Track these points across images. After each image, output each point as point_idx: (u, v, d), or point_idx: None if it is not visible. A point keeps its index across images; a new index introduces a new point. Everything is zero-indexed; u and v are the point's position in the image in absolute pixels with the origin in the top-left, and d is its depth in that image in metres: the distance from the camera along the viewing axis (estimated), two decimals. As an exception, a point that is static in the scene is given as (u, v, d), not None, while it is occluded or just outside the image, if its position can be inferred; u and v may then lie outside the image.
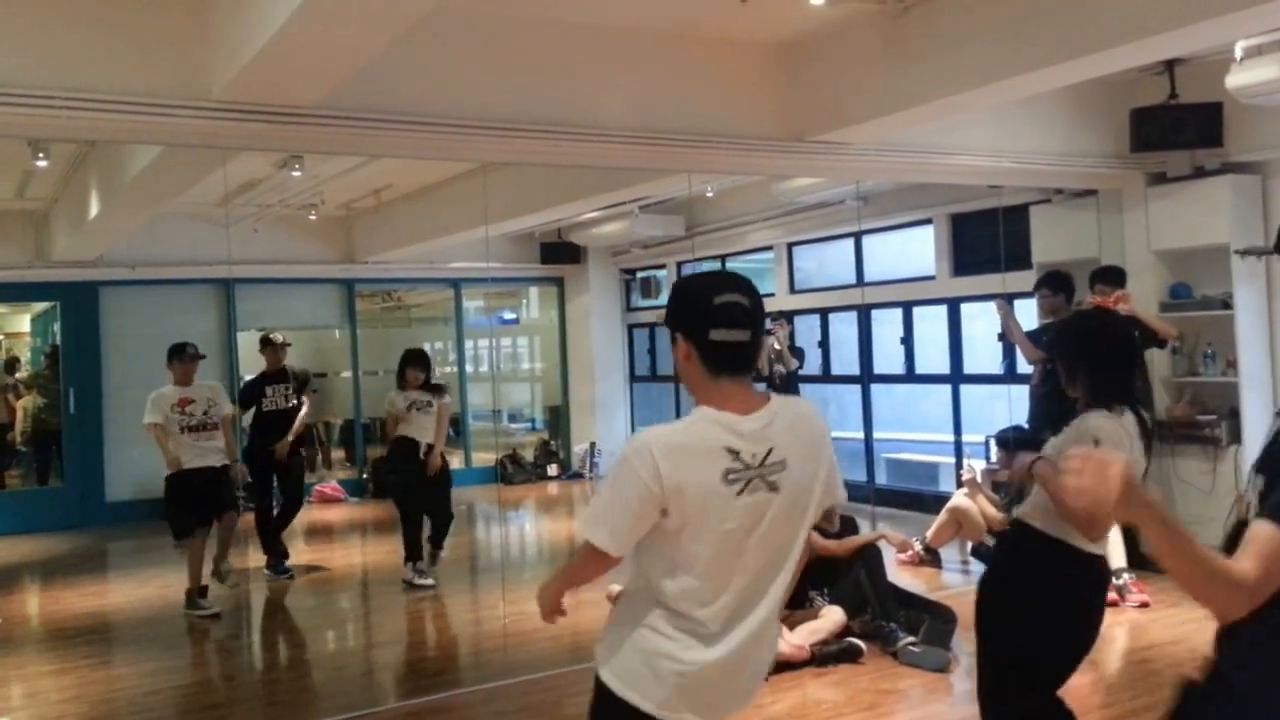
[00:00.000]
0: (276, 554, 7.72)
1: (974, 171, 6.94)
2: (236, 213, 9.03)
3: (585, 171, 7.65)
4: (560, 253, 12.30)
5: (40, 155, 6.30)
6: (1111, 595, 5.99)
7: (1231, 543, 1.78)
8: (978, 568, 7.11)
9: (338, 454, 11.95)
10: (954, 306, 9.04)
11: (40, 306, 12.23)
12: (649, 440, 2.15)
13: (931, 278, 9.16)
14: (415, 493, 7.39)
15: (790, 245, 10.71)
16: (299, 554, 8.21)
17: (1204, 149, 6.80)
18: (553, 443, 12.97)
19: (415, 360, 7.49)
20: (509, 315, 14.07)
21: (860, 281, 9.81)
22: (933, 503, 7.96)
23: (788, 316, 9.93)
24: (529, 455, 12.71)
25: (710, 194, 9.70)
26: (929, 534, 7.31)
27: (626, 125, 5.54)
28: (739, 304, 2.18)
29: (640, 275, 12.91)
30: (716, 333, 2.17)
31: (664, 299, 12.37)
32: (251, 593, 7.49)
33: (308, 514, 8.21)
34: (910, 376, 9.60)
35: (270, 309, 11.07)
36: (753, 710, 4.59)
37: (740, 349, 2.18)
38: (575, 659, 5.59)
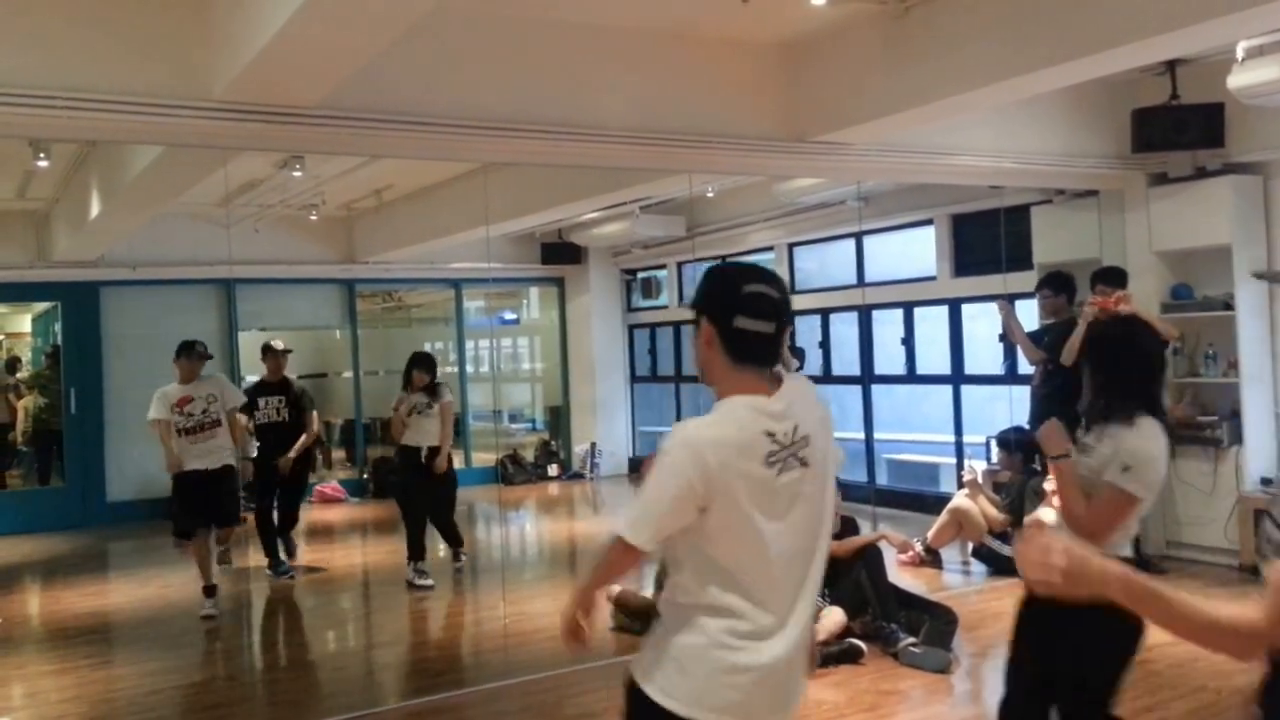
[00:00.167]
0: (276, 555, 7.72)
1: (975, 172, 6.94)
2: (237, 213, 9.03)
3: (586, 172, 7.65)
4: (561, 253, 12.30)
5: (41, 155, 6.31)
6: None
7: None
8: (979, 569, 7.11)
9: (338, 454, 11.95)
10: (955, 307, 9.04)
11: (41, 306, 12.24)
12: (695, 437, 2.13)
13: (932, 278, 9.16)
14: (415, 495, 7.42)
15: (791, 246, 10.71)
16: (299, 555, 8.20)
17: (1205, 149, 6.79)
18: (553, 443, 12.97)
19: (421, 363, 7.49)
20: (510, 315, 14.07)
21: (861, 282, 9.81)
22: (933, 503, 7.95)
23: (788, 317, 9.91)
24: (529, 455, 12.71)
25: (711, 194, 9.70)
26: (930, 535, 7.30)
27: (627, 125, 5.53)
28: (767, 295, 2.19)
29: (641, 276, 12.91)
30: (741, 320, 2.17)
31: (664, 299, 12.45)
32: (252, 593, 7.49)
33: (308, 514, 8.22)
34: (911, 377, 9.60)
35: (271, 309, 11.09)
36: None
37: (763, 340, 2.18)
38: (576, 659, 5.59)
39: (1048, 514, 6.70)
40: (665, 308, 12.54)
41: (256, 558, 7.73)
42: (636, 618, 5.91)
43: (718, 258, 11.54)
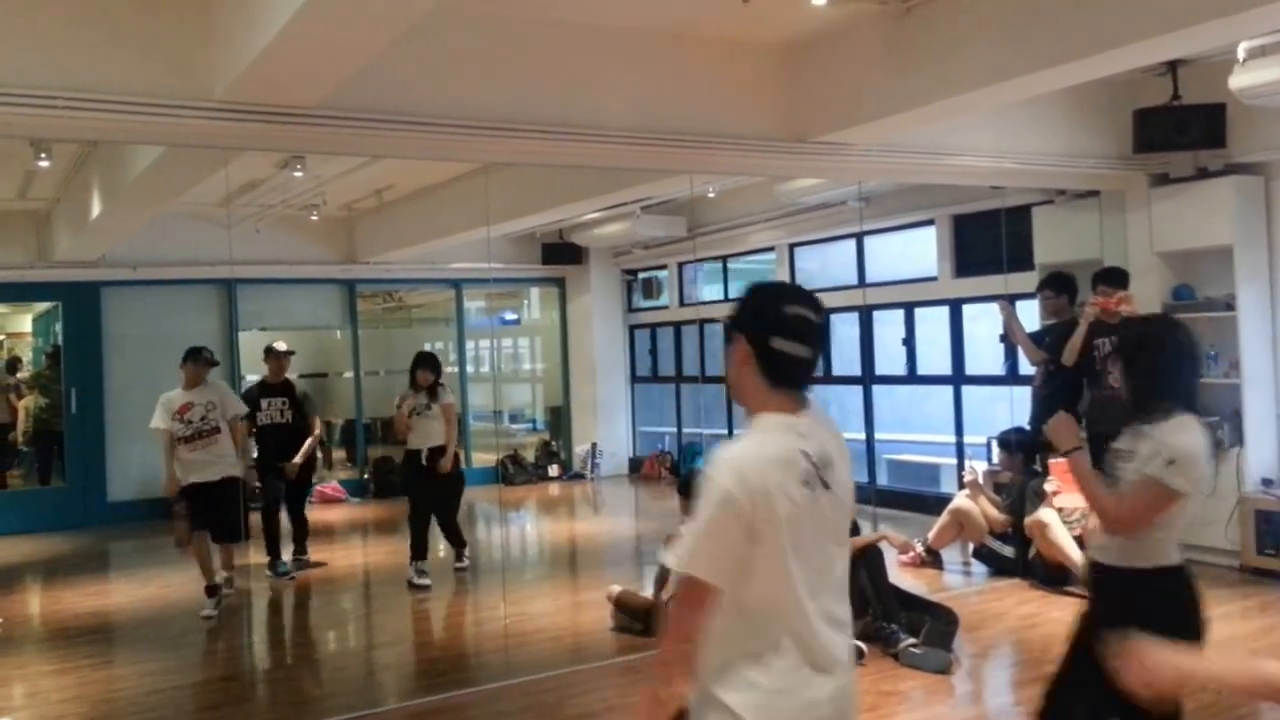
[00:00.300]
0: (279, 555, 7.73)
1: (976, 172, 6.93)
2: (238, 213, 9.03)
3: (587, 172, 7.65)
4: (561, 253, 12.31)
5: (42, 155, 6.30)
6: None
7: None
8: (979, 569, 7.11)
9: (339, 454, 11.95)
10: (956, 307, 9.03)
11: (42, 307, 12.25)
12: (738, 457, 2.08)
13: (933, 279, 9.15)
14: (419, 495, 7.48)
15: (792, 246, 10.70)
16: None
17: (1207, 150, 6.79)
18: (554, 443, 12.97)
19: (425, 362, 7.53)
20: (510, 316, 14.07)
21: (862, 282, 9.80)
22: (934, 504, 7.95)
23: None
24: (530, 456, 12.71)
25: (712, 195, 9.69)
26: (930, 535, 7.30)
27: (628, 126, 5.53)
28: (807, 319, 2.16)
29: (642, 276, 12.91)
30: (779, 342, 2.13)
31: (665, 300, 12.45)
32: (253, 593, 7.49)
33: (309, 514, 8.21)
34: (912, 377, 9.59)
35: (272, 309, 11.09)
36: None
37: (799, 363, 2.15)
38: (576, 659, 5.60)
39: (1048, 514, 6.75)
40: (666, 308, 12.54)
41: (256, 556, 7.74)
42: (637, 618, 5.92)
43: (719, 258, 11.56)
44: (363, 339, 11.74)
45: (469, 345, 12.55)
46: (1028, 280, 7.64)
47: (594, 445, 12.60)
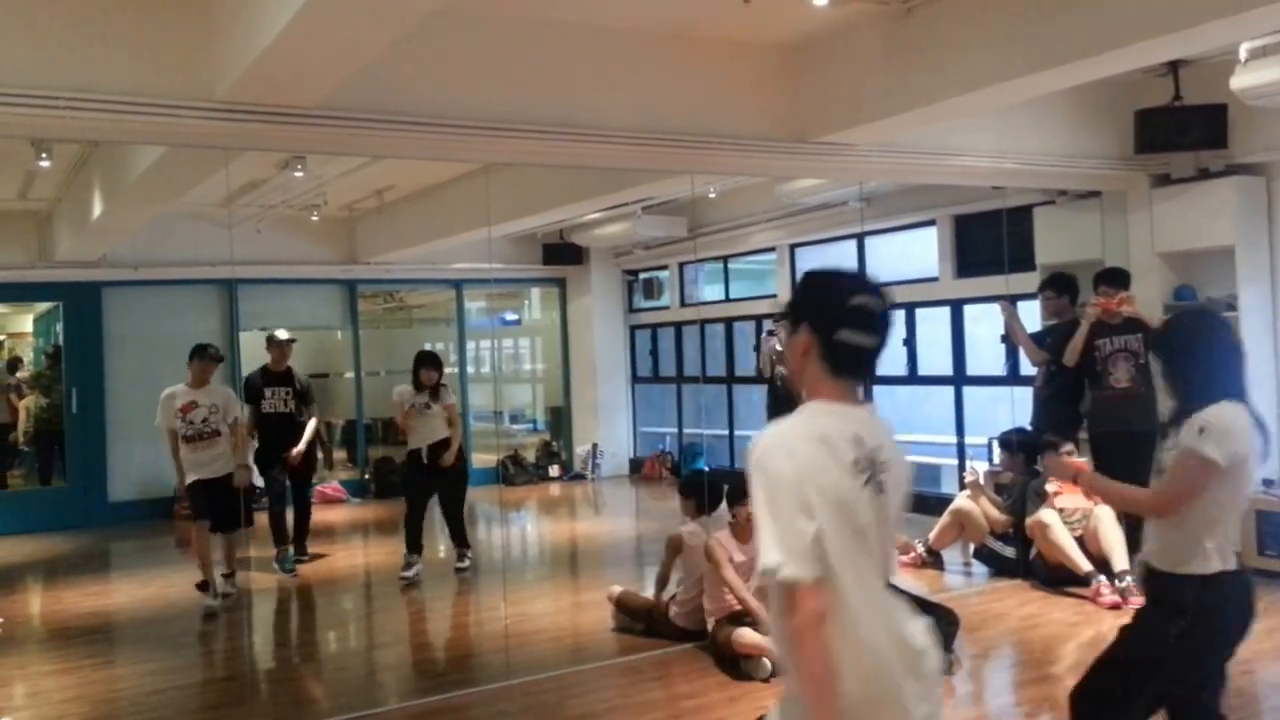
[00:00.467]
0: (286, 546, 7.79)
1: (977, 173, 6.93)
2: (239, 213, 9.03)
3: (587, 172, 7.65)
4: (562, 254, 12.30)
5: (43, 155, 6.31)
6: (1114, 598, 5.99)
7: None
8: (980, 570, 7.10)
9: (340, 454, 11.95)
10: (957, 308, 9.02)
11: (43, 307, 12.24)
12: (781, 434, 2.01)
13: (935, 279, 9.15)
14: (418, 492, 7.56)
15: (793, 247, 10.70)
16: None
17: (1208, 150, 6.78)
18: (554, 444, 12.97)
19: (428, 361, 7.60)
20: (511, 316, 14.07)
21: (863, 283, 9.77)
22: (935, 504, 7.93)
23: (790, 318, 9.90)
24: (530, 456, 12.71)
25: (713, 195, 9.69)
26: (931, 536, 7.29)
27: (629, 126, 5.53)
28: (874, 308, 2.10)
29: (643, 276, 12.90)
30: (846, 334, 2.07)
31: (666, 300, 12.45)
32: (254, 591, 7.48)
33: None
34: (913, 378, 9.58)
35: (273, 309, 11.08)
36: (755, 712, 4.58)
37: (865, 354, 2.10)
38: (577, 660, 5.60)
39: (1049, 515, 6.74)
40: (667, 308, 12.54)
41: (258, 551, 7.77)
42: (638, 618, 5.91)
43: (720, 258, 11.55)
44: (363, 339, 11.74)
45: (470, 346, 12.55)
46: (1029, 281, 7.63)
47: (595, 446, 12.60)
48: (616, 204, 9.68)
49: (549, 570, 8.66)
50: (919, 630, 2.12)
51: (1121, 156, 7.08)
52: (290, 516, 7.93)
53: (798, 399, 2.17)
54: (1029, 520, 6.59)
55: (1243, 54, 5.72)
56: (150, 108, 4.52)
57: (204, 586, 6.82)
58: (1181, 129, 6.64)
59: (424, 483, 7.51)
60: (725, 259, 11.59)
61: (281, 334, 8.03)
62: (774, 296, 10.88)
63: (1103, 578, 6.11)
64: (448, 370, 11.77)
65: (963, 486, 7.51)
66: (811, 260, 10.81)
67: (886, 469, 2.05)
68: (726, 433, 11.73)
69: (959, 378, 9.03)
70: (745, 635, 5.03)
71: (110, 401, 10.26)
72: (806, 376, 2.12)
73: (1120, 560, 6.10)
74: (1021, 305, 7.38)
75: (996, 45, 4.97)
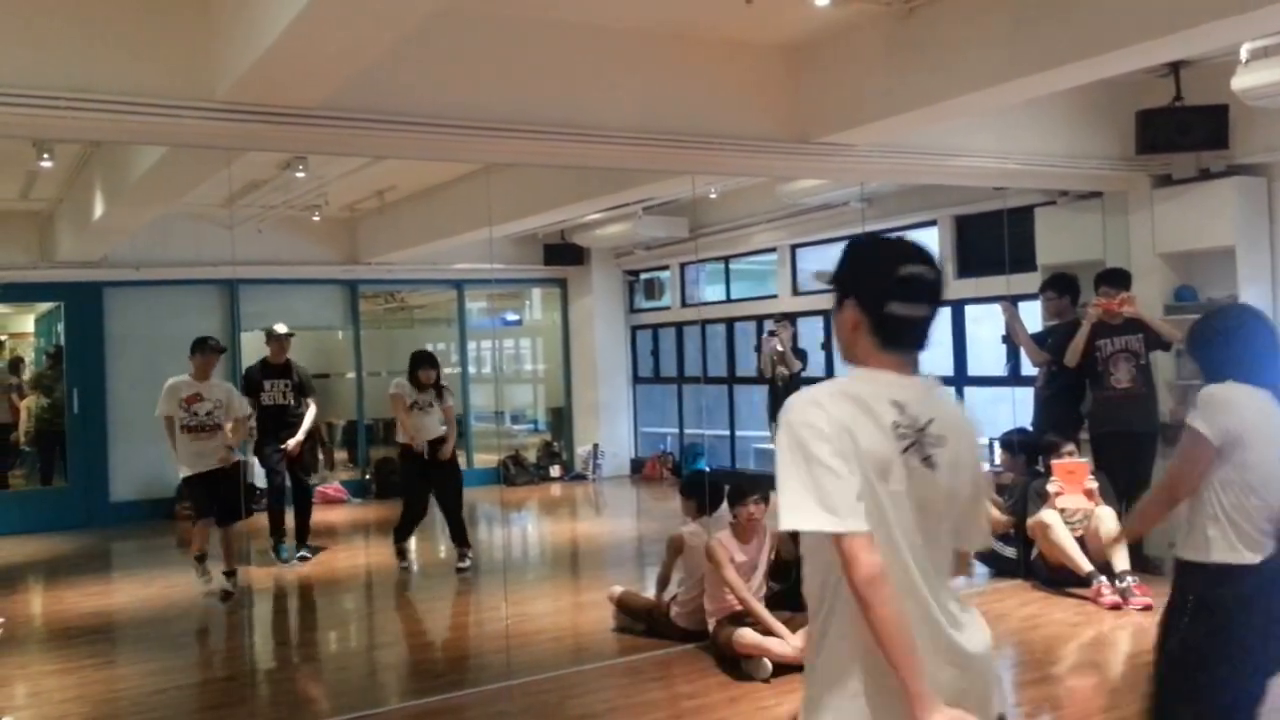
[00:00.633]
0: (282, 539, 7.87)
1: (979, 173, 6.93)
2: (240, 213, 9.03)
3: (589, 173, 7.65)
4: (563, 254, 12.30)
5: (45, 156, 6.32)
6: (1115, 598, 5.98)
7: None
8: (981, 570, 7.09)
9: (340, 455, 11.95)
10: (958, 308, 9.01)
11: (44, 307, 12.23)
12: (809, 394, 1.93)
13: (935, 279, 9.13)
14: (418, 489, 7.68)
15: (794, 247, 10.70)
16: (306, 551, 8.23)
17: (1209, 151, 6.78)
18: (555, 444, 12.97)
19: (425, 361, 7.72)
20: (512, 316, 14.07)
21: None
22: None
23: (791, 319, 9.91)
24: (531, 457, 12.70)
25: (714, 195, 9.69)
26: (932, 536, 7.28)
27: (630, 126, 5.53)
28: (925, 277, 2.00)
29: (644, 277, 12.90)
30: (896, 306, 1.97)
31: (667, 300, 12.45)
32: (255, 588, 7.49)
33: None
34: (914, 378, 9.57)
35: (274, 310, 11.04)
36: (756, 712, 4.59)
37: (917, 325, 2.01)
38: (578, 660, 5.60)
39: (1051, 516, 6.73)
40: (668, 309, 12.54)
41: (259, 550, 7.80)
42: (639, 619, 5.91)
43: (721, 259, 11.55)
44: (365, 339, 11.73)
45: (471, 346, 12.55)
46: (1030, 281, 7.63)
47: (595, 446, 12.60)
48: (618, 204, 9.68)
49: (550, 570, 8.66)
50: (959, 614, 2.04)
51: (1123, 157, 7.08)
52: (290, 513, 7.97)
53: None
54: (1030, 521, 6.58)
55: (1244, 55, 5.72)
56: (151, 108, 4.52)
57: (201, 559, 6.96)
58: (1183, 129, 6.64)
59: (423, 480, 7.62)
60: (726, 259, 11.59)
61: (280, 328, 8.12)
62: (774, 298, 10.89)
63: (1104, 578, 6.11)
64: (449, 371, 11.82)
65: (964, 487, 7.50)
66: (813, 260, 10.81)
67: (941, 444, 1.96)
68: (727, 433, 11.73)
69: (960, 378, 9.02)
70: (746, 635, 5.04)
71: (111, 401, 10.25)
72: (858, 351, 2.03)
73: (1121, 562, 6.09)
74: (1022, 306, 7.39)
75: (998, 46, 4.97)
